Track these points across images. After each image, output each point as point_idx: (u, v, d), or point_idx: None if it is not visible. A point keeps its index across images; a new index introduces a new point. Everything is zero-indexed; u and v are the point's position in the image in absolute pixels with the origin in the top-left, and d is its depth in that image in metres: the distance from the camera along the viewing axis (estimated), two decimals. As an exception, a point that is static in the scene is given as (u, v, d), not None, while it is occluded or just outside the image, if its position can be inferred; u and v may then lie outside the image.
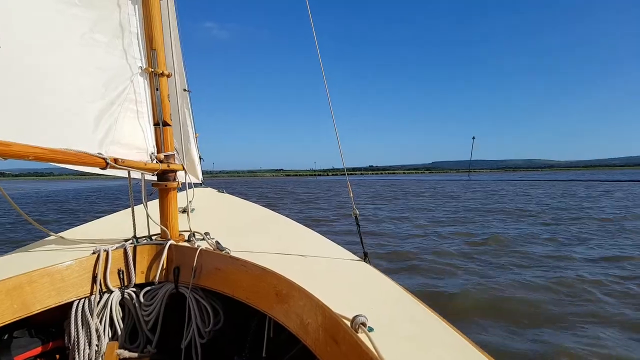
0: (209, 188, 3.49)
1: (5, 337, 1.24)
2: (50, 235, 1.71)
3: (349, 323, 0.92)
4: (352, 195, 1.92)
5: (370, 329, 0.91)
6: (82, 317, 1.33)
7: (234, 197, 3.32)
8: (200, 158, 2.57)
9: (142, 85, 1.60)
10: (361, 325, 0.90)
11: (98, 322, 1.36)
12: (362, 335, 0.87)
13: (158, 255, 1.53)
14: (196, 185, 2.60)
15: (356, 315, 0.91)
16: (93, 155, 1.24)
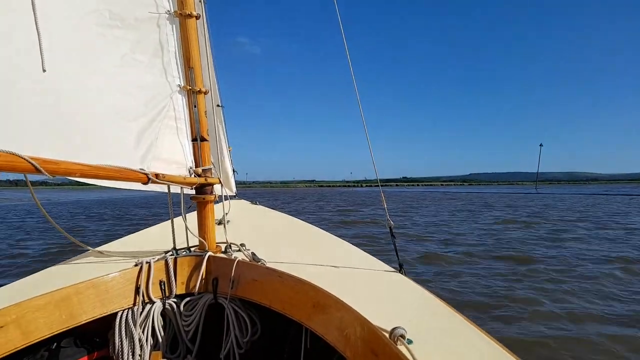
0: (242, 200, 3.58)
1: (54, 346, 1.28)
2: (93, 249, 1.79)
3: (387, 335, 0.91)
4: (385, 206, 1.91)
5: (410, 341, 0.90)
6: (125, 327, 1.37)
7: (266, 208, 3.38)
8: (233, 171, 2.65)
9: (180, 103, 1.66)
10: (400, 338, 0.89)
11: (141, 332, 1.39)
12: (401, 348, 0.86)
13: (197, 266, 1.57)
14: (230, 197, 2.66)
15: (395, 327, 0.91)
16: (135, 171, 1.29)
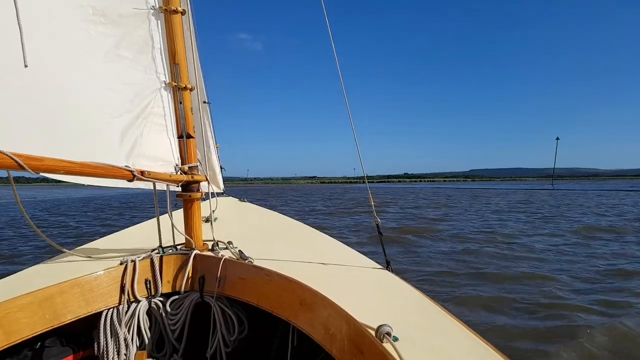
0: (230, 197, 3.58)
1: (38, 345, 1.27)
2: (78, 247, 1.78)
3: (373, 333, 0.91)
4: (373, 203, 1.91)
5: (395, 339, 0.90)
6: (110, 327, 1.36)
7: (254, 205, 3.38)
8: (221, 168, 2.64)
9: (166, 99, 1.65)
10: (386, 335, 0.89)
11: (126, 332, 1.38)
12: (387, 345, 0.86)
13: (184, 265, 1.56)
14: (218, 194, 2.66)
15: (381, 325, 0.91)
16: (120, 168, 1.27)
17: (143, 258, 1.50)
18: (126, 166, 1.31)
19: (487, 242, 7.74)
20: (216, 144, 2.34)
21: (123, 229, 2.34)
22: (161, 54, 1.61)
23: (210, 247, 1.71)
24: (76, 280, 1.31)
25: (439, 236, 8.61)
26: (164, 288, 1.51)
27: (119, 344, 1.35)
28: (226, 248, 1.70)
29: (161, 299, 1.50)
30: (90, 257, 1.64)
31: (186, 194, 1.65)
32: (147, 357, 1.43)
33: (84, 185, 1.52)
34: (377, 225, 1.84)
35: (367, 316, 1.00)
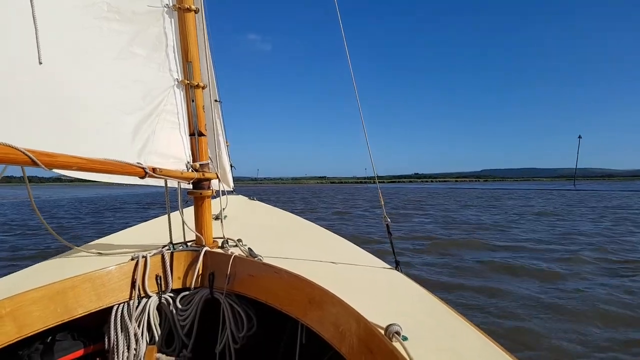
0: (240, 195, 3.61)
1: (49, 339, 1.29)
2: (89, 242, 1.81)
3: (383, 332, 0.91)
4: (382, 203, 1.90)
5: (405, 338, 0.90)
6: (121, 321, 1.37)
7: (263, 204, 3.40)
8: (231, 166, 2.66)
9: (178, 97, 1.66)
10: (395, 334, 0.89)
11: (136, 326, 1.40)
12: (396, 345, 0.86)
13: (194, 261, 1.57)
14: (228, 192, 2.68)
15: (390, 324, 0.91)
16: (132, 165, 1.28)
17: (154, 254, 1.51)
18: (138, 163, 1.32)
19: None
20: (226, 142, 2.36)
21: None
22: (174, 52, 1.62)
23: (220, 244, 1.71)
24: (88, 275, 1.33)
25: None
26: (174, 284, 1.52)
27: (129, 339, 1.37)
28: (236, 245, 1.70)
29: (171, 294, 1.51)
30: (101, 253, 1.66)
31: (197, 191, 1.66)
32: (157, 352, 1.45)
33: (89, 182, 1.53)
34: (387, 225, 1.83)
35: (376, 315, 1.00)
